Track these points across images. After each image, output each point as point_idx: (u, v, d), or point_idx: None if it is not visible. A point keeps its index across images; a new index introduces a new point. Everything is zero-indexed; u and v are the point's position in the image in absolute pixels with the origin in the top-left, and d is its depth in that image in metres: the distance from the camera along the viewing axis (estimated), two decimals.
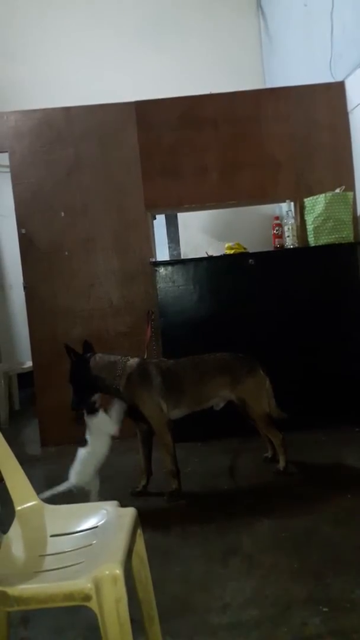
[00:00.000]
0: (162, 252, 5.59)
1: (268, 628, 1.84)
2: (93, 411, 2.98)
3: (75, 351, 3.06)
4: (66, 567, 1.41)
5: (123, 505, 1.75)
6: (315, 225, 3.98)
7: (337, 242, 3.96)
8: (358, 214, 4.12)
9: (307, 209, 4.07)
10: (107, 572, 1.31)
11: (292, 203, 4.18)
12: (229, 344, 3.52)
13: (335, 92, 4.20)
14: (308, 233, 4.08)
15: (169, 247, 5.95)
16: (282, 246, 4.17)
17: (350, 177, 4.18)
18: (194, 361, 3.24)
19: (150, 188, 4.22)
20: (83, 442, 2.95)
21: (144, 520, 1.73)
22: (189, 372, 3.20)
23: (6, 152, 4.23)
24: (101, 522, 1.64)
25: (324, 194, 3.92)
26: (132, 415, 3.12)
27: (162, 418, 3.05)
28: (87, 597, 1.30)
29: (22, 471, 1.80)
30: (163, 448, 3.06)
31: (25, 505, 1.77)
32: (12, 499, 1.77)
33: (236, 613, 1.94)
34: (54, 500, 2.34)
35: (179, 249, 5.65)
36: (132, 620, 1.35)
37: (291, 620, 1.86)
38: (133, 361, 3.10)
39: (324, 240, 3.98)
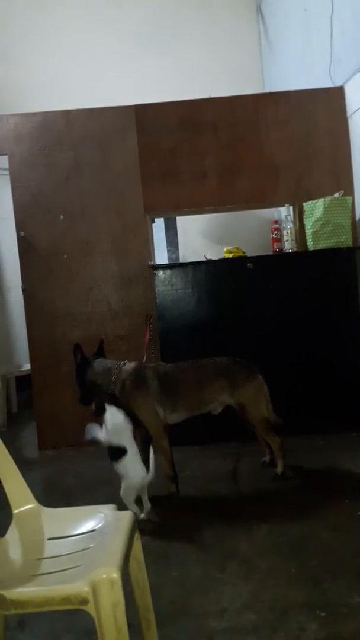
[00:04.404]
0: (161, 256, 5.60)
1: (265, 633, 1.83)
2: (101, 411, 2.92)
3: (82, 353, 3.11)
4: (63, 570, 1.40)
5: (121, 508, 1.75)
6: (314, 229, 3.98)
7: (335, 247, 3.96)
8: (357, 219, 4.13)
9: (306, 213, 4.08)
10: (104, 576, 1.31)
11: (291, 207, 4.19)
12: (227, 348, 3.53)
13: (334, 97, 4.21)
14: (307, 237, 4.08)
15: (168, 251, 5.97)
16: (280, 250, 4.17)
17: (349, 181, 4.19)
18: (193, 365, 3.23)
19: (150, 192, 4.22)
20: (118, 452, 2.79)
21: (141, 524, 1.72)
22: (187, 376, 3.18)
23: (5, 154, 4.23)
24: (99, 525, 1.63)
25: (323, 199, 3.93)
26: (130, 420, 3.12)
27: (158, 423, 3.04)
28: (84, 601, 1.30)
29: (19, 474, 1.80)
30: (160, 452, 3.05)
31: (22, 509, 1.77)
32: (9, 502, 1.77)
33: (233, 618, 1.93)
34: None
35: (178, 252, 5.67)
36: (129, 625, 1.34)
37: (289, 625, 1.86)
38: (129, 366, 3.11)
39: (322, 244, 3.98)
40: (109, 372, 3.07)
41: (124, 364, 3.12)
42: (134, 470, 2.76)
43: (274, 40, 5.98)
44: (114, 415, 2.84)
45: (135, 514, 2.44)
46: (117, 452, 2.79)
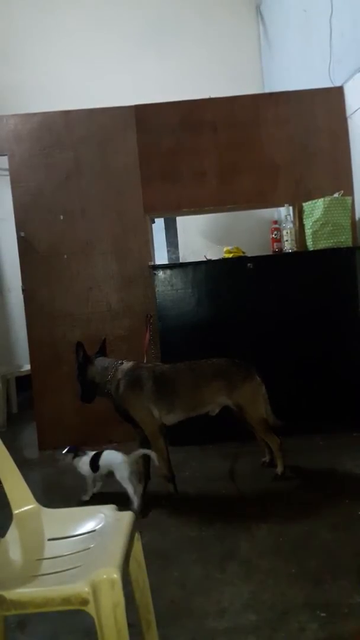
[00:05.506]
0: (161, 256, 5.59)
1: (266, 633, 1.84)
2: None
3: (85, 352, 3.15)
4: (64, 571, 1.40)
5: (121, 508, 1.75)
6: (314, 229, 3.98)
7: (335, 247, 3.96)
8: (357, 219, 4.13)
9: (305, 213, 4.08)
10: (104, 576, 1.31)
11: (290, 207, 4.19)
12: (227, 348, 3.53)
13: (334, 97, 4.21)
14: (306, 237, 4.08)
15: (168, 251, 5.97)
16: (280, 250, 4.17)
17: (349, 181, 4.19)
18: (191, 366, 3.23)
19: (149, 192, 4.22)
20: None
21: (141, 524, 1.73)
22: (185, 377, 3.18)
23: (5, 155, 4.23)
24: (99, 525, 1.63)
25: (322, 199, 3.93)
26: (127, 420, 3.13)
27: (153, 423, 3.05)
28: (85, 602, 1.30)
29: (19, 474, 1.80)
30: (156, 453, 3.06)
31: (22, 509, 1.77)
32: (9, 502, 1.77)
33: (234, 618, 1.93)
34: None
35: (178, 252, 5.66)
36: (130, 625, 1.34)
37: (289, 625, 1.86)
38: (126, 365, 3.12)
39: (322, 244, 3.98)
40: (106, 371, 3.09)
41: (122, 363, 3.13)
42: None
43: (273, 40, 5.98)
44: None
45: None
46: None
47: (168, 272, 4.01)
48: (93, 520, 1.67)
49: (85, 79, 5.92)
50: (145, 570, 1.69)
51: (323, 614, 1.89)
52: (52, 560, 1.51)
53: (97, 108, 4.22)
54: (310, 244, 4.05)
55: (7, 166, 4.25)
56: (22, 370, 5.45)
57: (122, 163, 4.22)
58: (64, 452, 3.16)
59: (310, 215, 4.02)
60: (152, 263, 4.23)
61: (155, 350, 4.01)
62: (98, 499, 3.08)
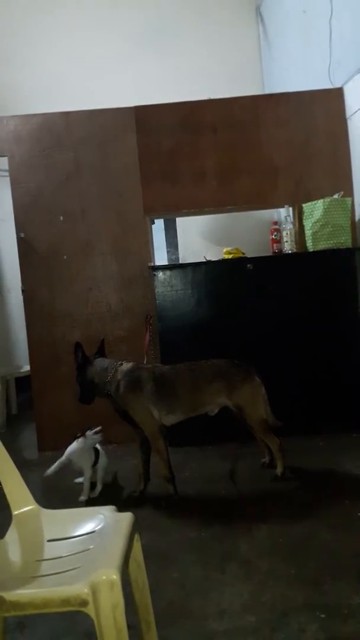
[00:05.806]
0: (161, 257, 5.59)
1: (265, 634, 1.83)
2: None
3: (83, 353, 3.15)
4: (63, 572, 1.40)
5: (120, 510, 1.75)
6: (314, 230, 3.98)
7: (335, 248, 3.96)
8: (356, 220, 4.13)
9: (305, 214, 4.08)
10: (104, 577, 1.31)
11: (290, 208, 4.19)
12: (227, 349, 3.53)
13: (334, 98, 4.21)
14: (306, 238, 4.08)
15: (168, 252, 5.97)
16: (280, 251, 4.17)
17: (349, 183, 4.19)
18: (190, 367, 3.22)
19: (149, 193, 4.23)
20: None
21: (141, 525, 1.73)
22: (185, 378, 3.18)
23: (5, 156, 4.23)
24: (98, 526, 1.63)
25: (322, 200, 3.93)
26: (127, 420, 3.13)
27: (153, 424, 3.05)
28: (84, 603, 1.30)
29: (19, 475, 1.80)
30: (156, 453, 3.06)
31: (22, 510, 1.77)
32: (9, 503, 1.77)
33: (233, 619, 1.93)
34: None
35: (178, 253, 5.66)
36: (129, 626, 1.34)
37: (288, 626, 1.86)
38: (125, 366, 3.12)
39: (322, 245, 3.98)
40: (106, 372, 3.09)
41: (121, 364, 3.14)
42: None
43: (273, 41, 5.98)
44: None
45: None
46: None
47: (168, 272, 4.01)
48: (92, 522, 1.67)
49: (85, 79, 5.92)
50: (145, 571, 1.69)
51: (323, 615, 1.89)
52: (52, 561, 1.51)
53: (97, 109, 4.23)
54: (310, 245, 4.05)
55: (7, 167, 4.25)
56: (22, 371, 5.45)
57: (122, 164, 4.22)
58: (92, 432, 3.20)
59: (310, 216, 4.02)
60: (152, 264, 4.23)
61: (155, 351, 4.01)
62: (98, 500, 3.08)
